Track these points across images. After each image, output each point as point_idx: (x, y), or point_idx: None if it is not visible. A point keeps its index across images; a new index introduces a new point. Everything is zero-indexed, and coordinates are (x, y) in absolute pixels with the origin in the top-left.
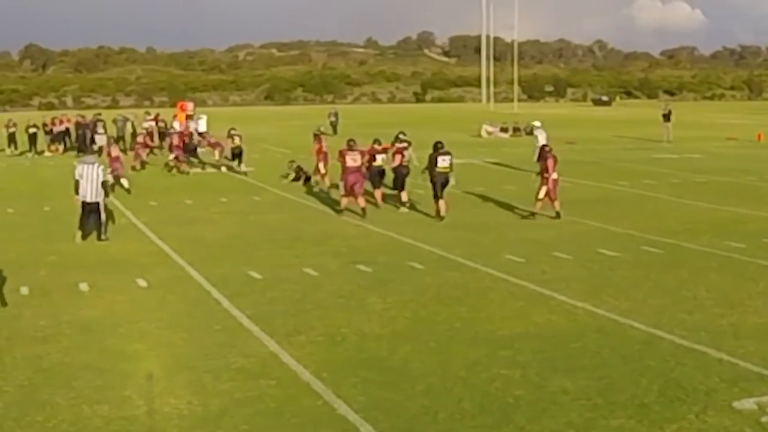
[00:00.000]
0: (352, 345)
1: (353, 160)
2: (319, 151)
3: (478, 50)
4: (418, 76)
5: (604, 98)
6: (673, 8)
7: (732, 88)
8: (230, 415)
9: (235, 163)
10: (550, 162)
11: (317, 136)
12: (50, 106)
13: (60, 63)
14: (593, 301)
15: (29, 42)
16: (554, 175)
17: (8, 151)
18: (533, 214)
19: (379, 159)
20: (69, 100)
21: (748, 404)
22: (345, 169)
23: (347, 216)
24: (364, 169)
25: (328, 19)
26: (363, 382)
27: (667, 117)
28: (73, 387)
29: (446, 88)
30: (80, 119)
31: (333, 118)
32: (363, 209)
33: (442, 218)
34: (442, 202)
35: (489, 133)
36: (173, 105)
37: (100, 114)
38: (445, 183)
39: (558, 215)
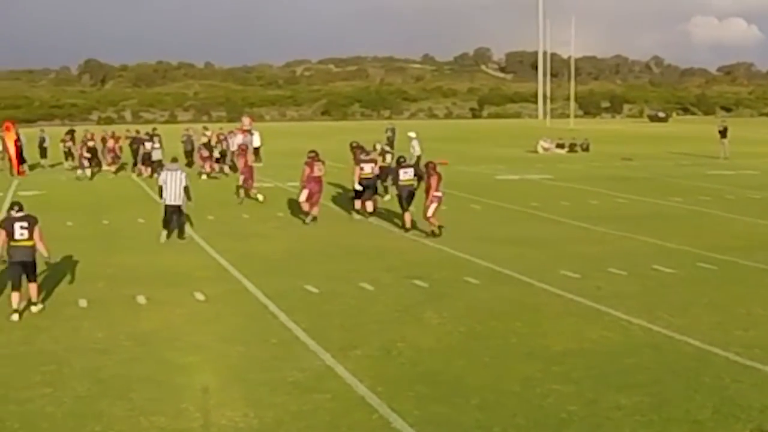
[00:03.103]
0: (407, 359)
1: (319, 170)
2: (245, 164)
3: (534, 66)
4: (475, 91)
5: (661, 114)
6: (729, 24)
7: None
8: (285, 428)
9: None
10: (434, 180)
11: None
12: (109, 121)
13: (119, 78)
14: (648, 317)
15: (88, 57)
16: (438, 193)
17: (66, 165)
18: (440, 228)
19: (368, 169)
20: (128, 115)
21: None
22: (309, 178)
23: (401, 230)
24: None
25: (385, 35)
26: (418, 396)
27: (723, 133)
28: (130, 398)
29: (503, 103)
30: (135, 134)
31: (390, 134)
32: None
33: (407, 230)
34: (407, 215)
35: (545, 149)
36: (231, 120)
37: (155, 129)
38: (410, 195)
39: (433, 233)
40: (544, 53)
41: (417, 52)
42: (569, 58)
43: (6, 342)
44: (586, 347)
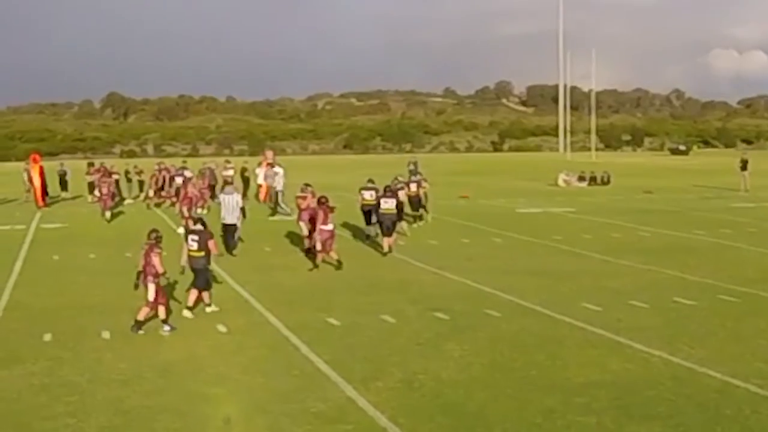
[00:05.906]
0: (428, 391)
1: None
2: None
3: (555, 100)
4: (496, 125)
5: (682, 147)
6: (750, 57)
7: None
8: None
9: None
10: (320, 214)
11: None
12: (131, 154)
13: (141, 111)
14: (669, 349)
15: (111, 90)
16: (329, 227)
17: (90, 198)
18: (316, 266)
19: (368, 196)
20: (150, 148)
21: None
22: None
23: (423, 263)
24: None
25: (406, 68)
26: (439, 428)
27: (744, 166)
28: (154, 429)
29: (524, 137)
30: (167, 168)
31: (412, 167)
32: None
33: (385, 254)
34: (388, 240)
35: (566, 182)
36: (253, 153)
37: (185, 162)
38: (392, 223)
39: (319, 264)
40: (565, 87)
41: (438, 85)
42: (590, 91)
43: (30, 373)
44: (607, 379)
